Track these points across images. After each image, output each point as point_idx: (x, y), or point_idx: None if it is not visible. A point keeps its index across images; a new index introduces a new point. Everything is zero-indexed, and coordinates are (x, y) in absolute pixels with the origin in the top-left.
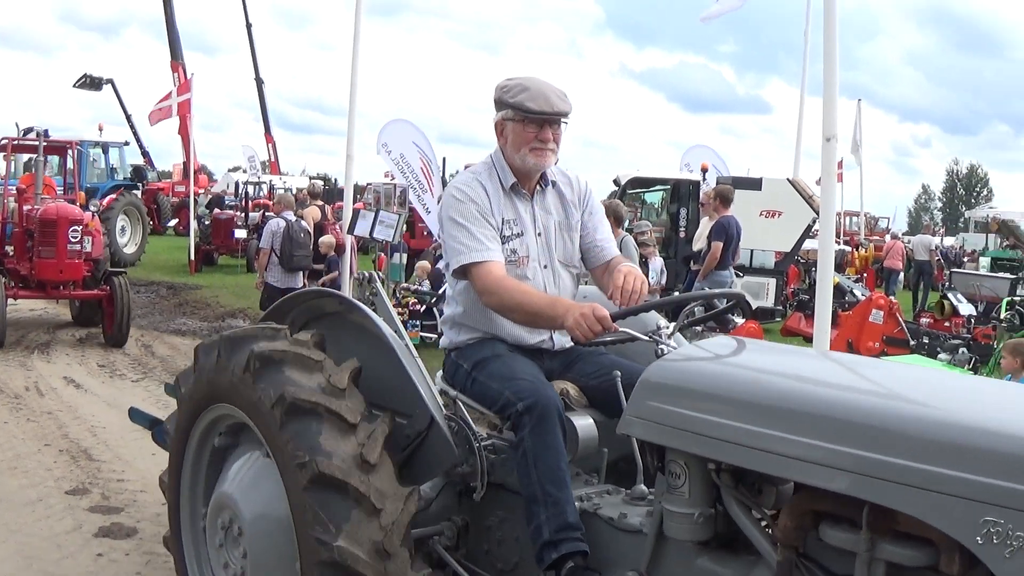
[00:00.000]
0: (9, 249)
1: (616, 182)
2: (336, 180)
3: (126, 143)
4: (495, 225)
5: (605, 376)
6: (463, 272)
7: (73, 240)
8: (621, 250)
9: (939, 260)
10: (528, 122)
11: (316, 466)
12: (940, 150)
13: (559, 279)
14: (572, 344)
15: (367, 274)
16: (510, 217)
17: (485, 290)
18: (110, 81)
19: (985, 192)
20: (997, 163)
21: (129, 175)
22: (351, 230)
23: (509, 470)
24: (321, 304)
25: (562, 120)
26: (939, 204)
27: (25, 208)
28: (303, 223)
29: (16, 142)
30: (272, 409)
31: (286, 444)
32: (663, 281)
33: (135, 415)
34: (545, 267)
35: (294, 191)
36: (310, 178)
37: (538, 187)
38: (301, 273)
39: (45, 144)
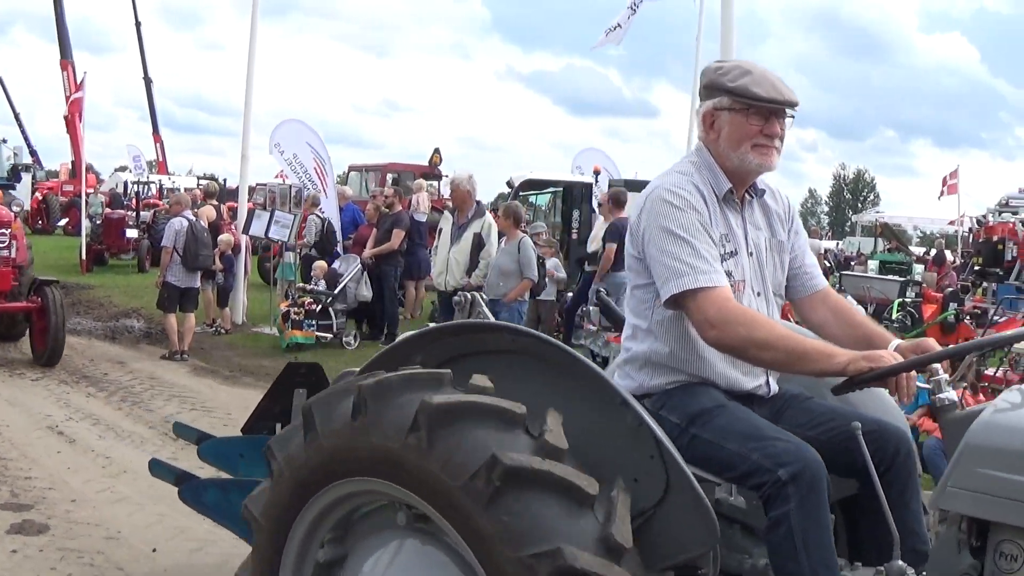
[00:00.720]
0: None
1: (509, 184)
2: (225, 180)
3: (3, 140)
4: (715, 241)
5: (827, 427)
6: (679, 299)
7: (1, 245)
8: (519, 252)
9: (828, 265)
10: (753, 112)
11: (562, 558)
12: (826, 155)
13: (771, 310)
14: (779, 389)
15: (470, 296)
16: (723, 232)
17: (715, 322)
18: None
19: (872, 197)
20: (884, 168)
21: (7, 174)
22: (246, 230)
23: (748, 555)
24: (477, 340)
25: (789, 112)
26: (826, 208)
27: None
28: (203, 222)
29: None
30: (472, 481)
31: (500, 529)
32: (563, 278)
33: (157, 468)
34: (759, 295)
35: (182, 190)
36: (198, 178)
37: (747, 196)
38: (199, 273)
39: None
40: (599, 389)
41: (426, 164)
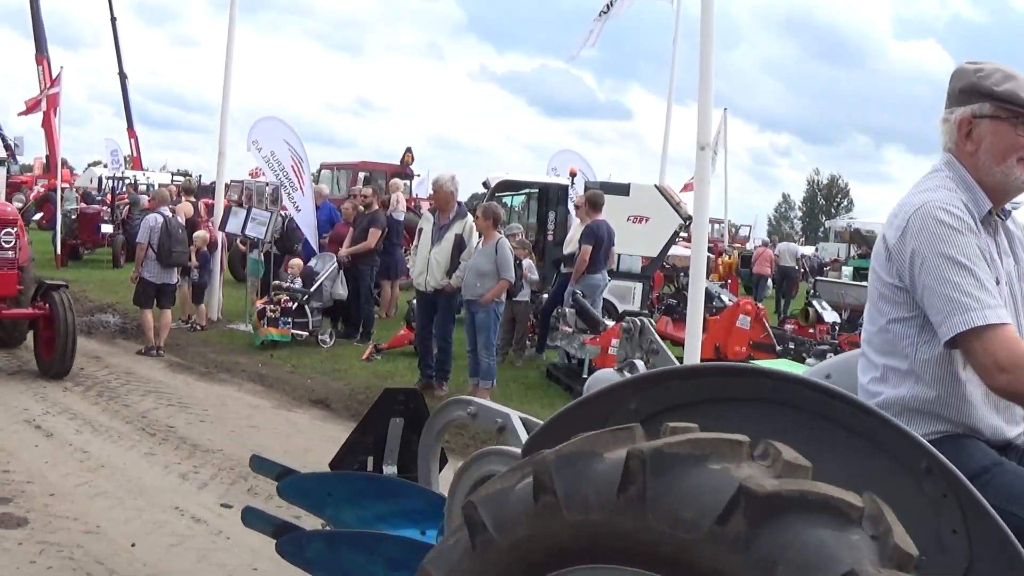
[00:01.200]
0: None
1: (486, 184)
2: (200, 177)
3: None
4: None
5: None
6: (960, 338)
7: (5, 245)
8: (497, 253)
9: (803, 269)
10: (1022, 122)
11: None
12: (800, 160)
13: None
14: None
15: (639, 322)
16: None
17: (1007, 366)
18: None
19: (845, 203)
20: (857, 174)
21: None
22: (223, 227)
23: None
24: (721, 385)
25: None
26: (799, 213)
27: None
28: (180, 219)
29: None
30: None
31: None
32: (535, 279)
33: (252, 517)
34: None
35: (156, 186)
36: (172, 174)
37: (997, 218)
38: (175, 269)
39: None
40: (900, 451)
41: (398, 163)
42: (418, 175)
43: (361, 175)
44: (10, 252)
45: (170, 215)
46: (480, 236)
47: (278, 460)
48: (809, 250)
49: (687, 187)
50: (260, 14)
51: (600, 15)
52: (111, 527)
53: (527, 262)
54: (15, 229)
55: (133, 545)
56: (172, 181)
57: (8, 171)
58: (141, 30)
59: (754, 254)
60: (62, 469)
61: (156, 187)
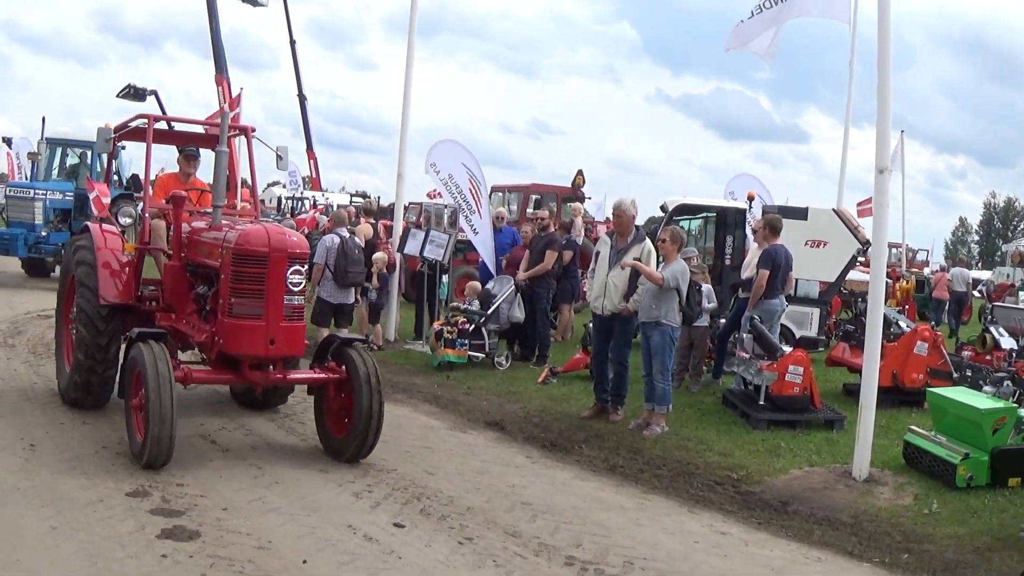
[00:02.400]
0: (149, 293)
1: (663, 208)
2: (379, 198)
3: (122, 146)
4: None
5: None
6: None
7: (293, 288)
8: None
9: (980, 296)
10: None
11: None
12: (976, 182)
13: None
14: None
15: None
16: None
17: None
18: (154, 92)
19: (1023, 226)
20: None
21: (126, 182)
22: (401, 248)
23: None
24: None
25: None
26: (976, 237)
27: (187, 228)
28: (357, 239)
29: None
30: None
31: None
32: (712, 306)
33: None
34: None
35: (335, 207)
36: (351, 195)
37: None
38: (353, 289)
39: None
40: None
41: (569, 186)
42: (589, 197)
43: (532, 198)
44: (298, 297)
45: (347, 236)
46: (662, 259)
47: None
48: (986, 274)
49: (864, 212)
50: (437, 36)
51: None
52: (283, 543)
53: (706, 287)
54: (306, 267)
55: (304, 562)
56: (351, 202)
57: (140, 188)
58: (319, 52)
59: (933, 279)
60: (236, 484)
61: (335, 208)
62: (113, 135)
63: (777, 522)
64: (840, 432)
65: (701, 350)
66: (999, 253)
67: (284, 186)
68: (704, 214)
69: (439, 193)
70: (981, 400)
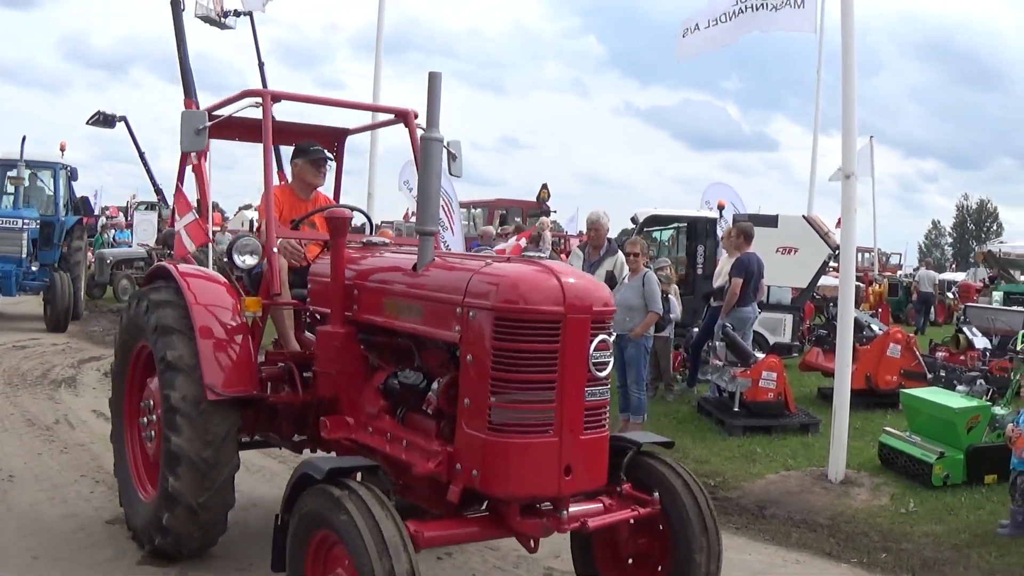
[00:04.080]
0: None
1: (634, 220)
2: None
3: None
4: None
5: None
6: None
7: (599, 374)
8: (644, 286)
9: (952, 297)
10: None
11: None
12: (947, 185)
13: None
14: None
15: None
16: None
17: None
18: (123, 118)
19: (995, 227)
20: (1005, 198)
21: (68, 207)
22: None
23: None
24: None
25: None
26: (949, 240)
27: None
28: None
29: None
30: None
31: None
32: (675, 316)
33: None
34: None
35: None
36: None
37: None
38: None
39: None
40: None
41: (534, 200)
42: (554, 211)
43: (498, 212)
44: (602, 388)
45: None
46: (629, 271)
47: None
48: (960, 276)
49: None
50: (406, 55)
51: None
52: (264, 565)
53: (672, 298)
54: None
55: None
56: None
57: (160, 214)
58: (286, 72)
59: (913, 283)
60: None
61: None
62: (208, 123)
63: (755, 526)
64: (815, 436)
65: (667, 359)
66: (972, 255)
67: (255, 209)
68: (675, 224)
69: (414, 213)
70: (954, 399)
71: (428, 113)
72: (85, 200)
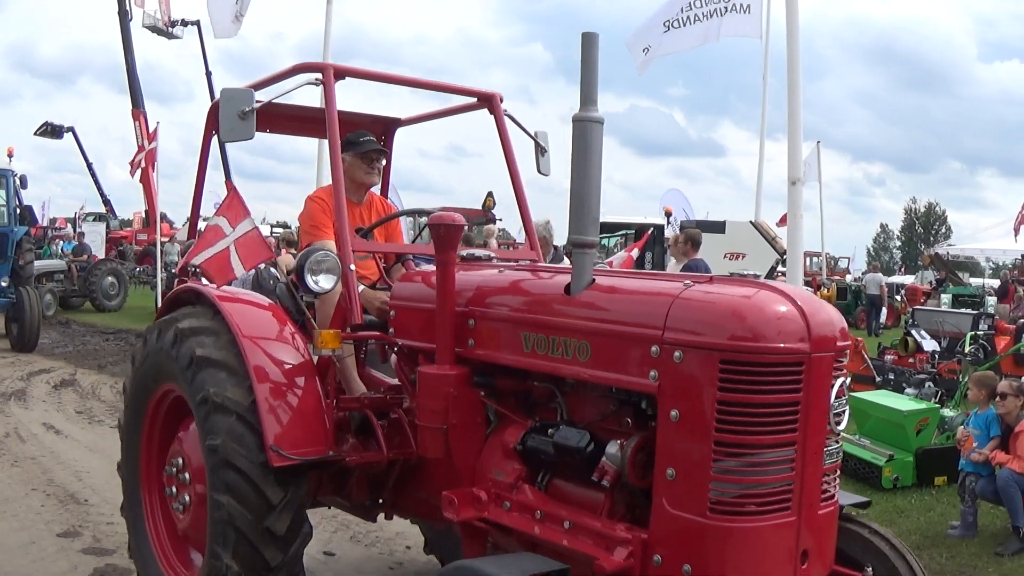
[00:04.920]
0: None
1: None
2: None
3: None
4: None
5: None
6: None
7: (836, 427)
8: None
9: (900, 300)
10: None
11: None
12: (894, 189)
13: None
14: None
15: None
16: None
17: None
18: (71, 129)
19: (944, 230)
20: (953, 200)
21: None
22: None
23: None
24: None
25: None
26: (898, 243)
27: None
28: (273, 271)
29: None
30: None
31: None
32: None
33: None
34: None
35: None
36: (271, 226)
37: None
38: None
39: None
40: None
41: (480, 208)
42: (500, 219)
43: None
44: (837, 446)
45: (262, 267)
46: None
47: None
48: (909, 279)
49: (783, 221)
50: (351, 62)
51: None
52: None
53: None
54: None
55: None
56: (271, 233)
57: (108, 226)
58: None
59: (861, 287)
60: None
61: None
62: (255, 105)
63: None
64: None
65: None
66: (920, 258)
67: (205, 219)
68: (622, 231)
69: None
70: (903, 402)
71: (584, 86)
72: (30, 209)
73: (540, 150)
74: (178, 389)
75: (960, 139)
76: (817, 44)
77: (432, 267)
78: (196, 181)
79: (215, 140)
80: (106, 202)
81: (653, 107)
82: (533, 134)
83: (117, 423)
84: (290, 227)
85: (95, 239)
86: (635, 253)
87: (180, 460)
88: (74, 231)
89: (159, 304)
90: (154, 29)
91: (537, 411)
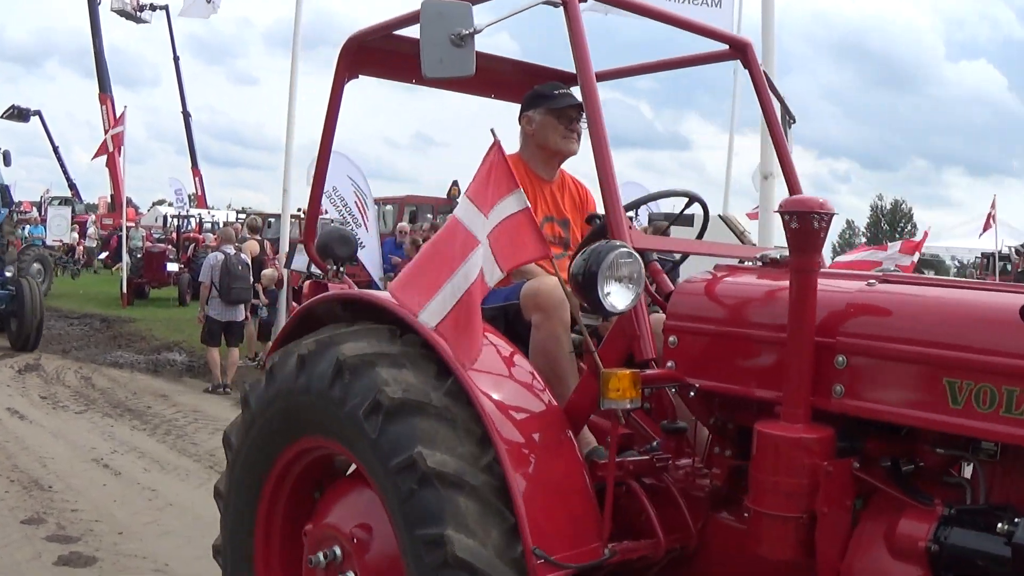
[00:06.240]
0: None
1: None
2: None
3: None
4: None
5: None
6: None
7: None
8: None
9: None
10: None
11: None
12: (860, 185)
13: None
14: None
15: None
16: None
17: None
18: (38, 113)
19: (909, 227)
20: (918, 198)
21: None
22: (288, 264)
23: None
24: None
25: None
26: (863, 240)
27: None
28: (243, 256)
29: None
30: None
31: None
32: None
33: None
34: None
35: (221, 224)
36: (237, 212)
37: None
38: (242, 307)
39: None
40: None
41: (445, 197)
42: None
43: (407, 209)
44: None
45: (232, 252)
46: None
47: None
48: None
49: (753, 217)
50: (318, 50)
51: None
52: (181, 565)
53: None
54: None
55: None
56: (237, 219)
57: (74, 210)
58: (200, 67)
59: None
60: (130, 508)
61: (221, 225)
62: (476, 27)
63: None
64: None
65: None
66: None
67: (170, 204)
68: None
69: (326, 209)
70: None
71: None
72: (7, 190)
73: (788, 119)
74: (331, 445)
75: (927, 137)
76: (785, 40)
77: (725, 273)
78: (322, 142)
79: (183, 124)
80: (72, 186)
81: (619, 99)
82: (781, 99)
83: (215, 490)
84: (250, 212)
85: (60, 223)
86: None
87: (337, 551)
88: (40, 215)
89: (124, 290)
90: (123, 13)
91: (927, 488)
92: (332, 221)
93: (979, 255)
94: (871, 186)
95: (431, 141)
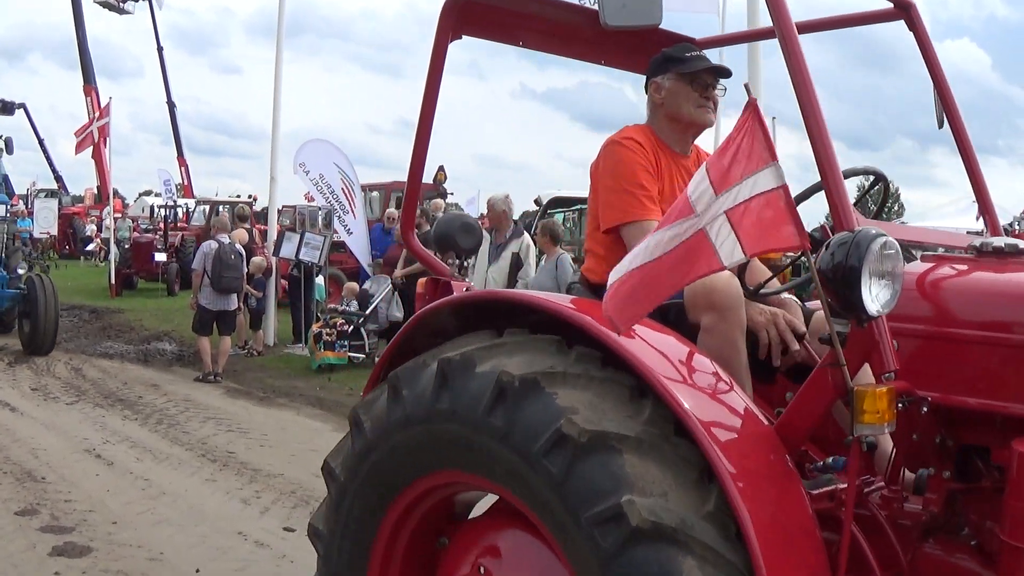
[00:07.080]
0: None
1: (537, 202)
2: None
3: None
4: None
5: None
6: None
7: None
8: (557, 268)
9: None
10: None
11: None
12: (846, 166)
13: None
14: None
15: None
16: None
17: None
18: (22, 106)
19: (896, 207)
20: (905, 178)
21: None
22: (276, 252)
23: None
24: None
25: None
26: None
27: None
28: (236, 245)
29: None
30: None
31: None
32: None
33: None
34: None
35: (205, 213)
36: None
37: None
38: (234, 296)
39: None
40: None
41: (431, 182)
42: (451, 193)
43: (393, 195)
44: None
45: (226, 242)
46: (543, 254)
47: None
48: None
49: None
50: (301, 38)
51: None
52: (175, 554)
53: None
54: None
55: (198, 571)
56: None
57: (60, 202)
58: (183, 57)
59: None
60: (124, 497)
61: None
62: None
63: None
64: None
65: None
66: None
67: (157, 195)
68: (579, 206)
69: (311, 197)
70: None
71: None
72: (7, 179)
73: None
74: (474, 481)
75: (911, 117)
76: (765, 20)
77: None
78: (422, 111)
79: (168, 114)
80: (58, 178)
81: (603, 83)
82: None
83: (310, 528)
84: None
85: (47, 215)
86: None
87: None
88: (26, 207)
89: (112, 281)
90: (105, 4)
91: None
92: (319, 208)
93: (967, 234)
94: (857, 166)
95: (414, 126)
